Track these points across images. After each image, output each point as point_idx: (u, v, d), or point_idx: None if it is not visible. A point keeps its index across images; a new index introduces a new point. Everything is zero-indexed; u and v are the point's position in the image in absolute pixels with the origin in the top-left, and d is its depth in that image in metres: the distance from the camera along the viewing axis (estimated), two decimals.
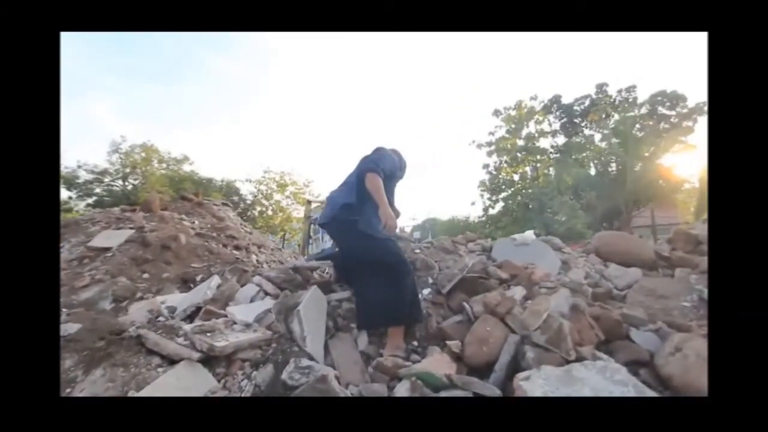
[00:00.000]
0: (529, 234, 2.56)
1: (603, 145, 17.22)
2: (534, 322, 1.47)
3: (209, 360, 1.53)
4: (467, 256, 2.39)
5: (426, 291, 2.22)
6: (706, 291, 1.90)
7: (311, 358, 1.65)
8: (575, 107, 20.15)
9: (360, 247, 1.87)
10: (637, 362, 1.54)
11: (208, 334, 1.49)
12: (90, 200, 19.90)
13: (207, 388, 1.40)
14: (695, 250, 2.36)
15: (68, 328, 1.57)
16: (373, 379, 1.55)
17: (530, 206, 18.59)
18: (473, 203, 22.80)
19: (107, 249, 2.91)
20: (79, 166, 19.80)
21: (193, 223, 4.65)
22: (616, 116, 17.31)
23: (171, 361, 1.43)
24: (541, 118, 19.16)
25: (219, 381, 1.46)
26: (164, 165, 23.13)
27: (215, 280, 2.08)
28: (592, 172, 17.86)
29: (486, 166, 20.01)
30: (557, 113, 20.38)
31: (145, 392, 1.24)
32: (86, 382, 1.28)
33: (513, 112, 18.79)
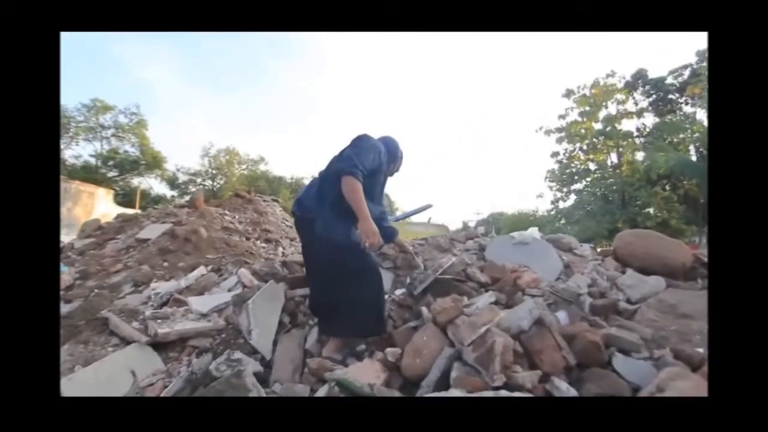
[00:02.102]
0: (532, 232, 2.21)
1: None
2: (468, 336, 1.26)
3: (166, 344, 1.66)
4: (445, 256, 2.17)
5: (399, 291, 2.09)
6: None
7: (255, 352, 1.68)
8: (669, 81, 16.71)
9: (317, 252, 1.68)
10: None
11: (159, 321, 1.61)
12: (188, 197, 23.60)
13: (151, 370, 1.52)
14: None
15: (68, 307, 1.86)
16: (307, 379, 1.51)
17: (610, 198, 16.19)
18: (539, 195, 20.50)
19: (147, 240, 3.39)
20: (178, 170, 23.59)
21: (234, 217, 5.14)
22: None
23: (127, 342, 1.59)
24: (623, 97, 16.35)
25: (167, 364, 1.58)
26: (243, 166, 26.15)
27: (198, 271, 2.26)
28: (693, 157, 14.75)
29: (555, 154, 17.97)
30: (645, 89, 17.14)
31: (90, 368, 1.40)
32: None
33: (588, 92, 16.40)
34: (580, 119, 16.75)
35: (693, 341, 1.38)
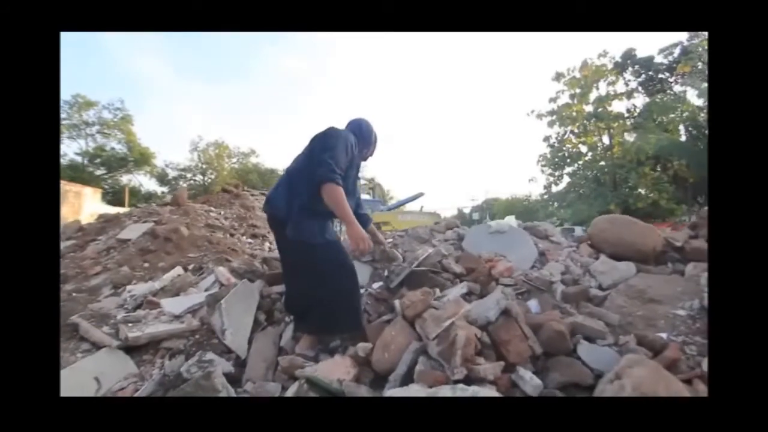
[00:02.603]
0: (508, 220, 2.21)
1: (700, 102, 14.00)
2: (432, 330, 1.26)
3: (139, 347, 1.65)
4: (421, 248, 2.17)
5: (376, 285, 2.08)
6: None
7: (230, 351, 1.68)
8: (659, 60, 16.59)
9: (290, 251, 1.65)
10: (577, 386, 1.23)
11: (130, 324, 1.60)
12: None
13: (123, 374, 1.52)
14: None
15: None
16: (279, 377, 1.51)
17: (602, 180, 16.30)
18: (531, 180, 20.48)
19: (128, 241, 3.34)
20: (167, 165, 23.24)
21: (220, 214, 5.09)
22: None
23: (98, 347, 1.58)
24: (613, 78, 16.24)
25: (140, 368, 1.58)
26: (233, 159, 25.81)
27: (174, 271, 2.23)
28: (683, 136, 14.80)
29: (547, 138, 17.93)
30: (635, 69, 17.03)
31: (62, 373, 1.39)
32: None
33: (578, 74, 16.27)
34: (570, 102, 16.67)
35: (657, 326, 1.40)
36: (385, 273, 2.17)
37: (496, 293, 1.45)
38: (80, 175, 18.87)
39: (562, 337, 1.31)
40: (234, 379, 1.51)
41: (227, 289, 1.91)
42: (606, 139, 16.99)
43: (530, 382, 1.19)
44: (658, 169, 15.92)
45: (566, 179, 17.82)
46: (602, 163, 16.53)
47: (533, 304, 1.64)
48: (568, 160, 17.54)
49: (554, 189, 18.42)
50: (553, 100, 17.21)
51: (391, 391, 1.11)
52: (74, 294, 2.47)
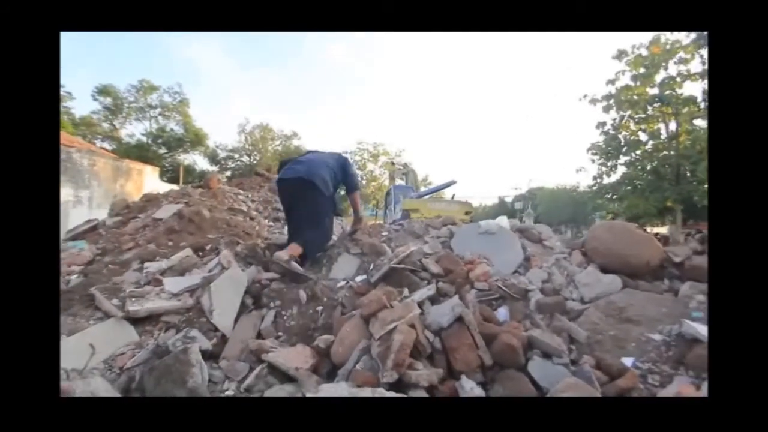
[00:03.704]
0: (499, 221, 2.11)
1: None
2: (377, 331, 1.29)
3: (143, 319, 1.89)
4: (414, 243, 2.16)
5: (359, 278, 2.15)
6: (697, 322, 1.27)
7: (216, 330, 1.86)
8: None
9: (314, 203, 2.40)
10: None
11: (134, 299, 1.83)
12: (228, 173, 25.08)
13: (125, 342, 1.75)
14: None
15: (74, 281, 2.16)
16: (248, 358, 1.65)
17: (662, 173, 14.58)
18: (579, 170, 18.63)
19: (160, 220, 3.72)
20: (217, 146, 24.94)
21: (247, 197, 5.43)
22: None
23: (108, 316, 1.84)
24: (688, 56, 14.08)
25: (141, 337, 1.81)
26: (277, 142, 26.96)
27: (183, 252, 2.47)
28: None
29: (601, 124, 16.27)
30: None
31: (72, 338, 1.65)
32: None
33: (645, 51, 14.35)
34: (632, 83, 14.87)
35: (626, 349, 1.30)
36: (371, 267, 2.22)
37: (453, 299, 1.44)
38: (145, 154, 20.96)
39: (513, 350, 1.28)
40: (213, 356, 1.69)
41: (218, 274, 2.09)
42: (672, 126, 15.04)
43: (470, 393, 1.19)
44: None
45: (620, 170, 16.16)
46: (664, 153, 14.72)
47: (503, 312, 1.59)
48: (625, 149, 15.83)
49: (605, 180, 16.84)
50: (611, 82, 15.46)
51: (322, 387, 1.17)
52: (110, 266, 2.84)
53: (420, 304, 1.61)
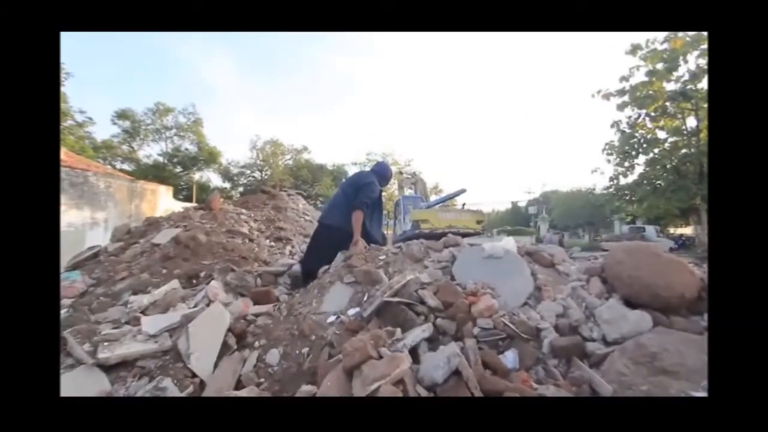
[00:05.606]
0: (505, 243, 1.89)
1: None
2: (358, 391, 1.09)
3: (118, 365, 1.75)
4: (404, 272, 1.96)
5: (352, 312, 1.95)
6: None
7: (194, 375, 1.70)
8: None
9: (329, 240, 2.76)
10: None
11: (106, 343, 1.69)
12: (240, 189, 25.55)
13: (96, 391, 1.61)
14: None
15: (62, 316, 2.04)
16: None
17: (683, 171, 13.91)
18: (594, 171, 18.12)
19: (158, 245, 3.64)
20: (229, 163, 25.50)
21: (249, 216, 5.34)
22: None
23: (80, 362, 1.70)
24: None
25: (114, 385, 1.67)
26: (287, 156, 27.37)
27: (168, 285, 2.34)
28: None
29: (616, 123, 15.73)
30: None
31: None
32: None
33: (662, 46, 13.82)
34: (647, 79, 14.35)
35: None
36: (365, 297, 2.03)
37: (449, 348, 1.23)
38: (162, 174, 21.61)
39: None
40: None
41: (198, 311, 1.94)
42: (692, 122, 14.38)
43: None
44: None
45: (638, 170, 15.52)
46: (685, 151, 14.07)
47: (510, 356, 1.36)
48: (643, 147, 15.21)
49: (622, 181, 16.21)
50: (625, 78, 14.98)
51: None
52: (101, 298, 2.74)
53: (414, 349, 1.41)
